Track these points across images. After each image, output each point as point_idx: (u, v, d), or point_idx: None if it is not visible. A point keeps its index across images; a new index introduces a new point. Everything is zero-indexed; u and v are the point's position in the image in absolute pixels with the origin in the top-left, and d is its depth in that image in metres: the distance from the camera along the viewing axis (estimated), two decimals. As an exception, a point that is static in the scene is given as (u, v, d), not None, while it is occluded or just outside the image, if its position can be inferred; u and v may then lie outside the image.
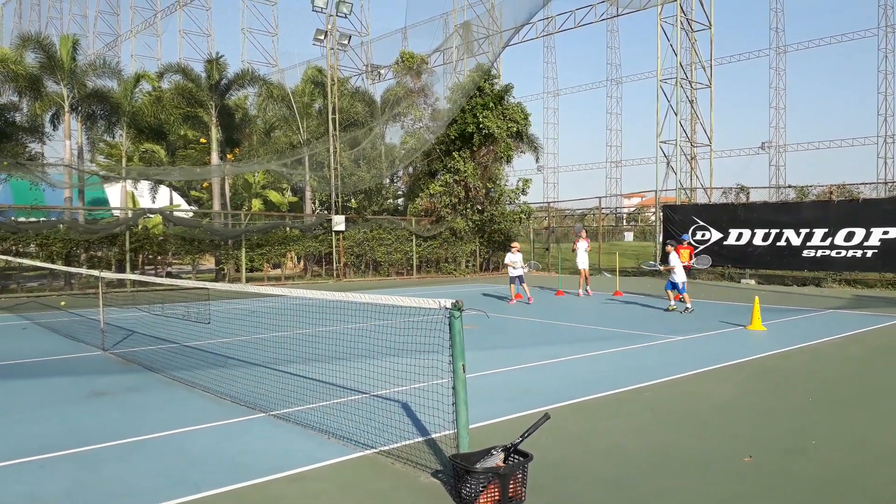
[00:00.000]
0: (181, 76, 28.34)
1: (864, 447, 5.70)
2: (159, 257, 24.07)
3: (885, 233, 20.65)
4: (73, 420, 6.59)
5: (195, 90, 27.65)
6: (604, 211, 35.55)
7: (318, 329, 10.68)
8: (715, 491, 4.71)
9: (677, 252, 16.13)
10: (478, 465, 4.46)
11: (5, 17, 70.39)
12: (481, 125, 27.76)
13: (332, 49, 28.47)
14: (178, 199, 38.08)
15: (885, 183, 35.17)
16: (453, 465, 4.56)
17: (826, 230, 21.84)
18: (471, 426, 4.94)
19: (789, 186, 27.69)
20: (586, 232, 20.88)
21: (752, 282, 23.37)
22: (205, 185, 35.32)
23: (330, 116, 27.85)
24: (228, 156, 31.18)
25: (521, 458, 4.56)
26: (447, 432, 5.38)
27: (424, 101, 31.64)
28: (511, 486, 4.42)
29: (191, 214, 31.11)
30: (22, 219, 24.27)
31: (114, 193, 34.97)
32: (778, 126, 60.79)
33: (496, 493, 4.36)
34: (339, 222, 26.30)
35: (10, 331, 13.07)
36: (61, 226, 21.68)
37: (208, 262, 27.77)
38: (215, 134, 28.17)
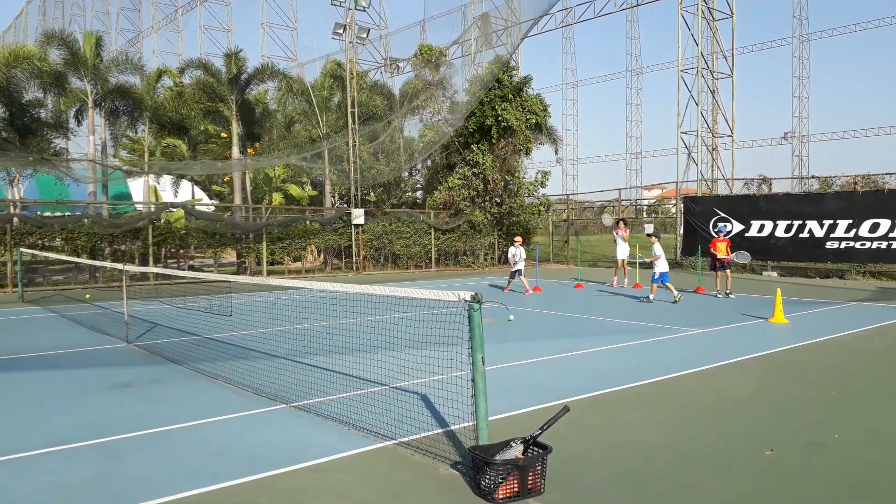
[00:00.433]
0: (202, 71, 28.57)
1: (887, 442, 5.63)
2: (181, 251, 24.34)
3: (912, 224, 20.32)
4: (98, 411, 6.70)
5: (216, 85, 27.86)
6: (624, 203, 35.30)
7: (338, 321, 10.75)
8: (736, 485, 4.68)
9: (713, 245, 16.39)
10: (497, 457, 4.47)
11: (30, 15, 71.32)
12: (500, 117, 27.67)
13: (350, 43, 28.53)
14: (200, 194, 38.46)
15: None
16: (472, 457, 4.57)
17: (850, 221, 21.53)
18: (490, 418, 4.94)
19: (812, 177, 27.27)
20: (625, 223, 20.67)
21: (775, 274, 23.10)
22: (226, 179, 35.66)
23: (349, 110, 27.92)
24: (249, 150, 31.40)
25: (541, 451, 4.56)
26: (466, 424, 5.40)
27: (443, 94, 31.59)
28: (530, 477, 4.43)
29: (212, 208, 31.40)
30: (47, 213, 24.67)
31: (137, 188, 35.41)
32: (801, 116, 59.95)
33: (515, 485, 4.37)
34: (358, 216, 26.41)
35: (37, 323, 13.30)
36: (86, 220, 22.01)
37: (230, 256, 28.03)
38: (236, 128, 28.38)
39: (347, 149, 27.83)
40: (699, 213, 25.22)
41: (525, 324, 12.50)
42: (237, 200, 29.13)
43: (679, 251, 26.67)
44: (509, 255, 18.57)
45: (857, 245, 21.38)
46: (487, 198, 29.30)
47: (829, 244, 21.98)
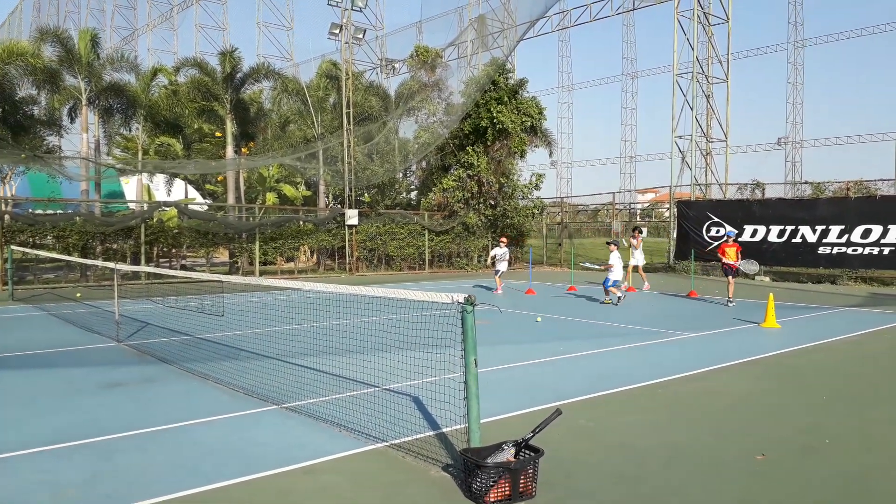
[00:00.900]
0: (197, 70, 28.50)
1: (879, 446, 5.65)
2: (174, 250, 24.26)
3: (903, 230, 20.43)
4: (89, 410, 6.66)
5: (211, 84, 27.80)
6: (617, 206, 35.37)
7: (331, 322, 10.72)
8: (728, 489, 4.69)
9: (722, 251, 15.88)
10: (489, 460, 4.46)
11: (24, 11, 70.94)
12: (495, 120, 27.69)
13: (346, 43, 28.51)
14: (193, 193, 38.35)
15: (904, 180, 34.66)
16: (464, 460, 4.56)
17: (842, 227, 21.63)
18: (482, 421, 4.93)
19: (805, 182, 27.39)
20: (640, 231, 20.82)
21: (767, 279, 23.19)
22: (219, 178, 35.56)
23: (344, 110, 27.89)
24: (243, 150, 31.34)
25: (533, 454, 4.55)
26: (458, 426, 5.39)
27: (438, 96, 31.61)
28: (522, 481, 4.42)
29: (205, 208, 31.31)
30: (39, 211, 24.55)
31: (130, 187, 35.33)
32: (795, 121, 60.20)
33: (507, 488, 4.36)
34: (352, 216, 26.37)
35: (28, 321, 13.21)
36: (78, 218, 21.91)
37: (222, 256, 27.97)
38: (230, 128, 28.31)
39: (342, 149, 27.80)
40: (693, 217, 25.30)
41: (518, 326, 12.50)
42: (231, 200, 29.06)
43: (672, 255, 26.75)
44: (496, 255, 19.10)
45: (849, 251, 21.49)
46: (482, 200, 29.31)
47: (821, 250, 22.08)
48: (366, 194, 33.30)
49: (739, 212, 24.26)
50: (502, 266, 19.00)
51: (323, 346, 8.81)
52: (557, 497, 4.50)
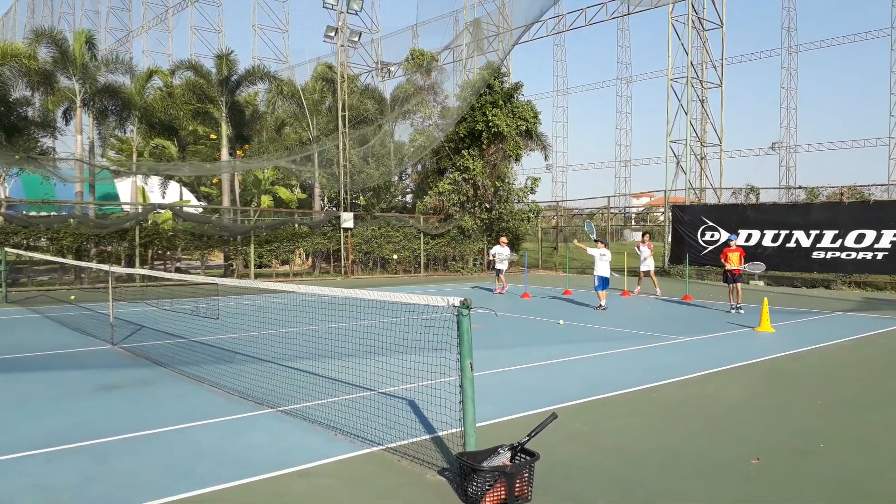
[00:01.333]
0: (192, 72, 28.44)
1: (873, 450, 5.66)
2: (168, 252, 24.18)
3: (897, 235, 20.52)
4: (82, 413, 6.63)
5: (206, 86, 27.76)
6: (612, 210, 35.44)
7: (326, 325, 10.71)
8: (723, 492, 4.70)
9: (725, 256, 15.27)
10: (484, 464, 4.46)
11: (18, 12, 70.78)
12: (490, 123, 27.73)
13: (342, 46, 28.50)
14: (188, 195, 38.26)
15: (897, 185, 34.87)
16: (460, 464, 4.56)
17: (836, 232, 21.73)
18: (478, 424, 4.93)
19: (799, 187, 27.52)
20: (650, 236, 20.70)
21: (761, 283, 23.25)
22: (214, 180, 35.48)
23: (339, 113, 27.88)
24: (238, 152, 31.28)
25: (528, 458, 4.55)
26: (454, 430, 5.39)
27: (434, 99, 31.63)
28: (517, 485, 4.42)
29: (200, 210, 31.25)
30: (33, 213, 24.46)
31: (124, 188, 35.21)
32: (789, 126, 60.47)
33: (502, 492, 4.36)
34: (347, 219, 26.35)
35: (21, 324, 13.16)
36: (72, 220, 21.82)
37: (217, 258, 27.89)
38: (225, 130, 28.26)
39: (337, 152, 27.78)
40: (687, 221, 25.37)
41: (514, 330, 12.51)
42: (226, 202, 29.00)
43: (667, 259, 26.80)
44: (495, 254, 19.34)
45: (843, 255, 21.58)
46: (477, 203, 29.33)
47: (815, 254, 22.16)
48: (361, 197, 33.28)
49: (734, 216, 24.33)
50: (502, 265, 19.25)
51: (318, 349, 8.79)
52: (553, 501, 4.50)
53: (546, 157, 35.48)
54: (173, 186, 36.65)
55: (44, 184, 31.17)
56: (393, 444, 5.51)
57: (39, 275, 22.10)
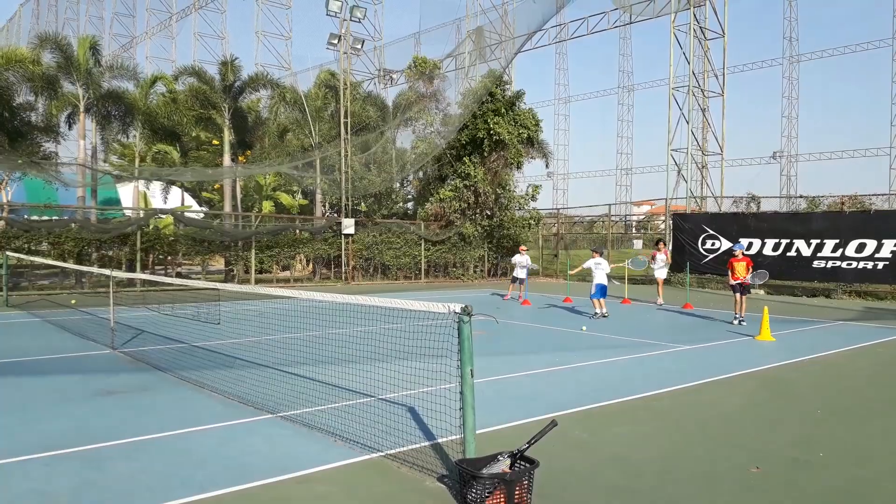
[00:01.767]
0: (195, 78, 28.53)
1: (872, 460, 5.66)
2: (169, 257, 24.20)
3: (898, 245, 20.52)
4: (82, 418, 6.63)
5: (209, 92, 27.83)
6: (613, 218, 35.46)
7: (327, 331, 10.70)
8: (722, 501, 4.69)
9: (731, 266, 14.67)
10: (484, 471, 4.46)
11: (23, 18, 71.06)
12: (492, 131, 27.79)
13: (345, 53, 28.60)
14: (190, 200, 38.28)
15: (898, 194, 34.87)
16: (459, 471, 4.56)
17: (837, 241, 21.73)
18: (478, 431, 4.93)
19: (800, 196, 27.54)
20: (664, 243, 20.47)
21: (762, 292, 23.23)
22: (216, 186, 35.52)
23: (342, 120, 27.95)
24: (240, 158, 31.34)
25: (528, 465, 4.55)
26: (454, 437, 5.38)
27: (436, 106, 31.71)
28: (517, 492, 4.41)
29: (202, 215, 31.29)
30: (35, 217, 24.48)
31: (126, 193, 35.23)
32: (790, 135, 60.50)
33: (502, 500, 4.35)
34: (348, 226, 26.38)
35: (22, 328, 13.16)
36: (73, 225, 21.85)
37: (218, 263, 27.90)
38: (228, 136, 28.33)
39: (339, 159, 27.84)
40: (688, 229, 25.38)
41: (514, 337, 12.51)
42: (227, 208, 29.03)
43: (668, 267, 26.75)
44: (514, 261, 19.53)
45: (844, 265, 21.58)
46: (478, 210, 29.36)
47: (816, 263, 22.16)
48: (362, 204, 33.31)
49: (735, 225, 24.34)
50: (520, 273, 19.34)
51: (318, 355, 8.79)
52: (552, 509, 4.49)
53: (547, 165, 35.54)
54: (175, 192, 36.68)
55: (46, 188, 31.21)
56: (392, 451, 5.51)
57: (41, 279, 22.11)
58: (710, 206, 27.93)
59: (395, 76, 39.52)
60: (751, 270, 14.56)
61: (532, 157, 32.12)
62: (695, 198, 28.03)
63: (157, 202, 34.52)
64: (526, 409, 6.95)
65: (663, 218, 30.18)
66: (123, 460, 5.33)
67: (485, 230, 29.46)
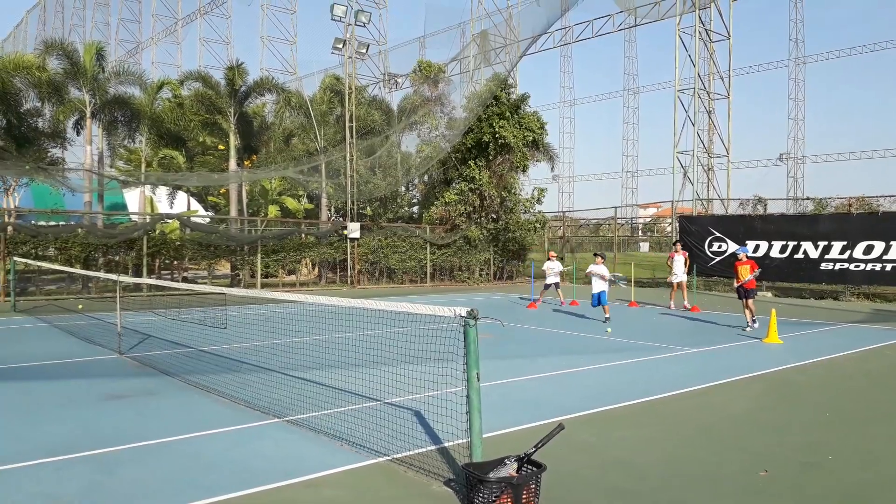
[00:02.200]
0: (201, 83, 28.64)
1: (880, 464, 5.63)
2: (176, 262, 24.28)
3: (905, 246, 20.42)
4: (89, 422, 6.65)
5: (215, 97, 27.93)
6: (619, 221, 35.41)
7: (333, 335, 10.72)
8: (729, 505, 4.67)
9: (736, 268, 14.47)
10: (491, 475, 4.45)
11: (29, 24, 71.54)
12: (497, 134, 27.79)
13: (349, 57, 28.68)
14: (196, 205, 38.40)
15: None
16: (466, 475, 4.55)
17: (845, 243, 21.63)
18: (484, 435, 4.93)
19: (807, 198, 27.45)
20: (681, 245, 19.88)
21: (769, 294, 23.16)
22: (222, 191, 35.63)
23: (347, 124, 28.01)
24: (246, 162, 31.42)
25: (535, 469, 4.54)
26: (460, 441, 5.38)
27: (441, 110, 31.75)
28: (524, 496, 4.40)
29: (208, 220, 31.36)
30: (42, 222, 24.59)
31: (132, 198, 35.38)
32: (796, 137, 60.37)
33: None
34: (354, 230, 26.41)
35: (29, 333, 13.22)
36: (80, 230, 21.94)
37: (224, 268, 27.96)
38: (233, 141, 28.41)
39: (345, 163, 27.89)
40: (695, 232, 25.31)
41: (520, 340, 12.49)
42: (233, 212, 29.11)
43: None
44: (545, 268, 19.55)
45: (852, 267, 21.47)
46: (483, 214, 29.36)
47: (823, 265, 22.07)
48: (368, 207, 33.36)
49: (741, 227, 24.27)
50: (550, 279, 19.19)
51: (325, 359, 8.80)
52: (559, 512, 4.48)
53: (553, 168, 35.55)
54: (181, 197, 36.81)
55: (53, 194, 31.35)
56: (399, 455, 5.51)
57: (48, 284, 22.20)
58: (717, 209, 27.85)
59: (400, 80, 39.57)
60: (754, 272, 14.23)
61: (537, 161, 32.10)
62: (701, 200, 27.96)
63: (163, 207, 34.64)
64: (532, 413, 6.94)
65: (669, 220, 30.12)
66: (131, 464, 5.34)
67: (490, 234, 29.45)
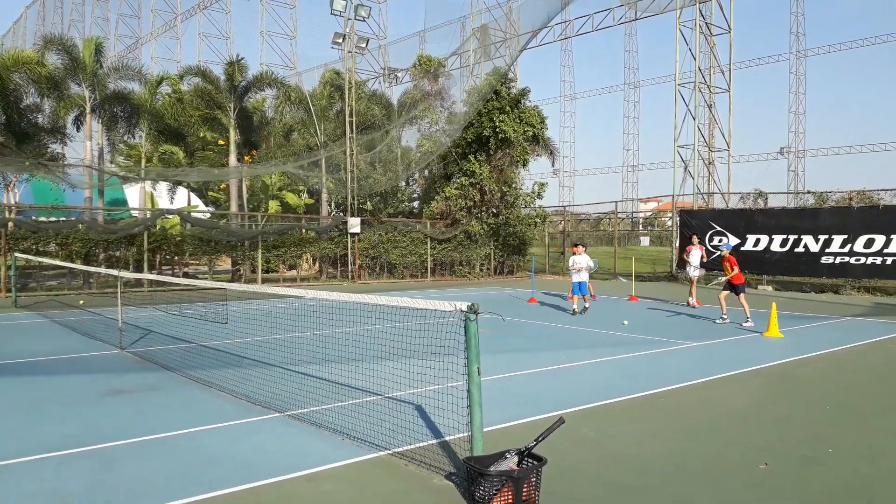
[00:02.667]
0: (200, 78, 28.61)
1: (881, 457, 5.63)
2: (176, 257, 24.29)
3: (906, 240, 20.41)
4: (91, 418, 6.66)
5: (214, 92, 27.89)
6: (620, 215, 35.38)
7: (334, 330, 10.72)
8: (730, 498, 4.68)
9: (724, 263, 14.41)
10: (491, 468, 4.46)
11: (28, 20, 71.39)
12: (497, 129, 27.75)
13: (349, 52, 28.62)
14: (196, 201, 38.39)
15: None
16: (467, 468, 4.56)
17: (845, 236, 21.61)
18: (485, 429, 4.94)
19: (808, 192, 27.41)
20: (698, 239, 19.60)
21: (770, 288, 23.16)
22: (222, 186, 35.60)
23: (347, 119, 27.98)
24: (246, 158, 31.39)
25: (536, 462, 4.55)
26: (461, 435, 5.39)
27: (441, 105, 31.68)
28: (525, 489, 4.42)
29: (208, 215, 31.36)
30: (42, 218, 24.61)
31: (133, 194, 35.33)
32: (797, 131, 60.30)
33: (510, 497, 4.36)
34: (354, 224, 26.40)
35: (30, 329, 13.23)
36: (81, 225, 21.94)
37: (224, 263, 27.98)
38: (233, 136, 28.39)
39: (345, 158, 27.87)
40: (695, 226, 25.27)
41: (521, 335, 12.50)
42: (233, 208, 29.09)
43: (675, 264, 26.73)
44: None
45: (852, 260, 21.46)
46: (484, 208, 29.33)
47: (824, 259, 22.06)
48: (368, 202, 33.35)
49: (742, 221, 24.25)
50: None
51: (326, 354, 8.81)
52: (560, 506, 4.49)
53: (553, 162, 35.43)
54: (181, 192, 36.78)
55: (53, 190, 31.35)
56: (400, 449, 5.52)
57: (49, 280, 22.22)
58: (718, 203, 27.82)
59: (400, 75, 39.52)
60: (733, 270, 14.18)
61: (538, 155, 32.04)
62: (702, 194, 27.94)
63: (163, 202, 34.64)
64: (533, 407, 6.95)
65: (670, 214, 30.10)
66: (133, 459, 5.36)
67: (491, 228, 29.43)
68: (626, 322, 13.96)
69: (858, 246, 21.36)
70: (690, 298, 18.23)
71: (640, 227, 56.69)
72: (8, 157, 23.01)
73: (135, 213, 29.35)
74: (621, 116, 72.85)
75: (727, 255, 14.46)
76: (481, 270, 29.86)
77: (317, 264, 28.64)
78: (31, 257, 19.18)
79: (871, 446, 5.90)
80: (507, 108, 28.16)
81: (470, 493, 4.48)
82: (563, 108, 73.00)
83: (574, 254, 18.67)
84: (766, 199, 26.50)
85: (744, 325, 13.70)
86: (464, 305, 4.71)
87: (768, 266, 23.34)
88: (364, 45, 29.78)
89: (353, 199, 27.94)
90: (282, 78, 32.05)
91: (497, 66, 32.42)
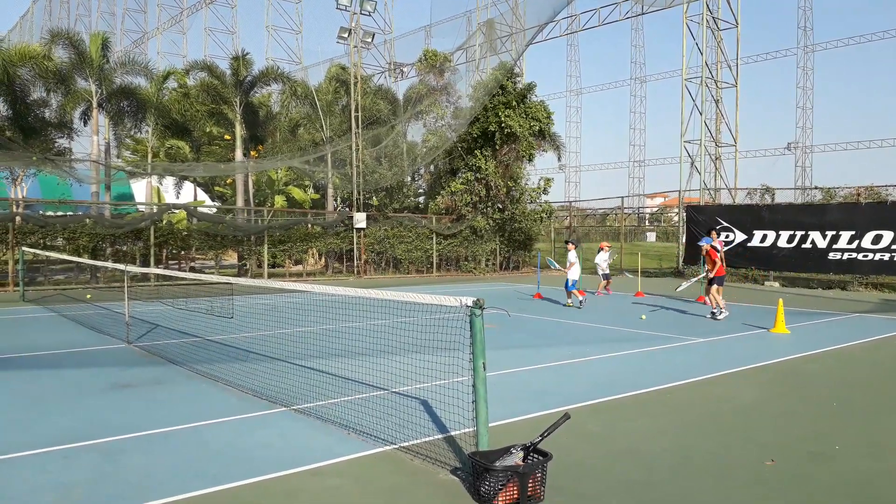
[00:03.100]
0: (207, 73, 28.63)
1: (888, 453, 5.60)
2: (183, 252, 24.35)
3: (915, 236, 20.29)
4: (97, 411, 6.69)
5: (220, 87, 27.92)
6: (626, 211, 35.30)
7: (340, 325, 10.74)
8: (736, 494, 4.66)
9: (706, 257, 14.69)
10: (497, 464, 4.45)
11: (35, 14, 71.48)
12: (503, 124, 27.69)
13: (355, 47, 28.58)
14: (202, 195, 38.48)
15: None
16: (472, 463, 4.56)
17: (853, 232, 21.50)
18: (490, 424, 4.93)
19: (815, 188, 27.30)
20: (717, 233, 19.31)
21: (776, 284, 23.07)
22: (228, 181, 35.69)
23: (353, 114, 27.97)
24: (252, 152, 31.44)
25: (541, 458, 4.54)
26: (467, 430, 5.38)
27: (447, 99, 31.65)
28: (530, 485, 4.41)
29: (214, 210, 31.43)
30: (50, 213, 24.68)
31: (139, 189, 35.43)
32: (805, 126, 59.97)
33: (515, 492, 4.35)
34: (360, 220, 26.42)
35: (38, 322, 13.29)
36: (88, 220, 22.03)
37: (231, 258, 28.05)
38: (239, 131, 28.42)
39: (350, 153, 27.87)
40: (702, 221, 25.20)
41: (527, 330, 12.49)
42: (239, 203, 29.15)
43: (681, 260, 26.67)
44: (597, 261, 19.84)
45: (860, 256, 21.35)
46: (490, 203, 29.31)
47: (831, 255, 21.95)
48: (374, 197, 33.35)
49: (749, 217, 24.16)
50: (603, 270, 19.64)
51: (331, 348, 8.82)
52: (565, 501, 4.49)
53: (559, 158, 35.40)
54: (188, 187, 36.86)
55: (60, 184, 31.45)
56: (405, 444, 5.52)
57: (56, 274, 22.32)
58: (724, 198, 27.74)
59: (405, 69, 39.46)
60: (715, 263, 14.30)
61: (544, 150, 31.99)
62: (708, 190, 27.84)
63: (170, 197, 34.71)
64: (539, 403, 6.94)
65: (677, 210, 30.00)
66: (139, 453, 5.37)
67: (496, 223, 29.41)
68: (644, 317, 14.16)
69: (866, 242, 21.24)
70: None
71: (647, 223, 56.54)
72: (15, 151, 23.08)
73: (141, 207, 29.45)
74: (627, 111, 72.68)
75: (708, 248, 14.54)
76: (487, 266, 29.85)
77: (322, 259, 28.68)
78: (38, 252, 19.26)
79: (878, 443, 5.87)
80: (513, 102, 28.10)
81: (475, 488, 4.48)
82: (569, 102, 72.88)
83: (601, 249, 19.67)
84: (774, 194, 26.44)
85: (709, 316, 14.05)
86: (469, 301, 4.70)
87: (775, 262, 23.25)
88: (370, 40, 29.76)
89: (359, 194, 27.94)
90: (287, 73, 32.07)
91: (503, 61, 32.36)
